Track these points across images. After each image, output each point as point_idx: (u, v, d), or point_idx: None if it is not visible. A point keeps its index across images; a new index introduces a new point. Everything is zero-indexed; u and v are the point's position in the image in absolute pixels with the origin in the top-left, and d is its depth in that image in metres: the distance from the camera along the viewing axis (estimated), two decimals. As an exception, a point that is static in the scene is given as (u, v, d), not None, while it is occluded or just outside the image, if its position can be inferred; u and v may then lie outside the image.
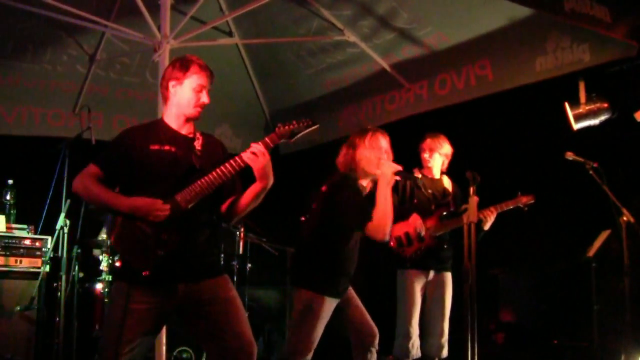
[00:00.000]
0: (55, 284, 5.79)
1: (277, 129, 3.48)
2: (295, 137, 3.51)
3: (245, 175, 3.62)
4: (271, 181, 3.50)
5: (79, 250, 5.69)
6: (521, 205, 5.63)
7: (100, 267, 6.34)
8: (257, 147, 3.41)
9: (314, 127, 3.52)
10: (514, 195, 5.75)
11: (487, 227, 5.47)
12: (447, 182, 5.71)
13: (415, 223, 5.42)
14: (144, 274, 3.35)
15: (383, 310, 5.52)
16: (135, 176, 3.51)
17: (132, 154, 3.51)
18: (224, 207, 3.69)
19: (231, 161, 3.44)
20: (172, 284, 3.45)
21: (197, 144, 3.61)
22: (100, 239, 6.37)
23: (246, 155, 3.42)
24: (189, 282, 3.48)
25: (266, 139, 3.44)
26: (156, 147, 3.54)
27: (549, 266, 9.98)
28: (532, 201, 5.63)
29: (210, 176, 3.43)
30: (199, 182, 3.43)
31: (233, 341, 3.47)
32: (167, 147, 3.55)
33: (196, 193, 3.43)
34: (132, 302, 3.37)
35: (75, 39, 6.51)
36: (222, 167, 3.44)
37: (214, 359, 3.54)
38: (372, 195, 4.48)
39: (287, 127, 3.48)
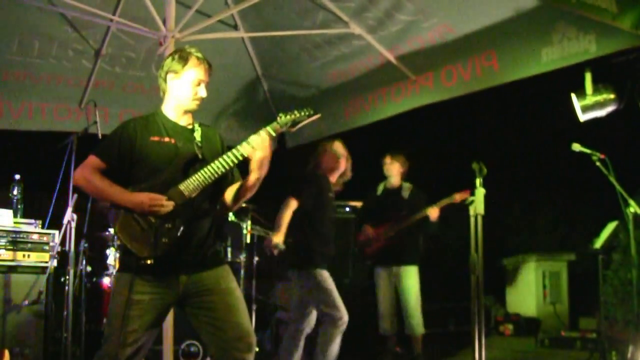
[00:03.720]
0: (63, 279, 5.81)
1: (278, 118, 3.54)
2: (297, 127, 3.56)
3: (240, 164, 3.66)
4: (265, 172, 3.57)
5: (86, 245, 5.71)
6: (456, 202, 6.55)
7: (108, 262, 6.38)
8: (259, 138, 3.45)
9: (315, 117, 3.57)
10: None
11: (433, 219, 6.68)
12: (405, 190, 7.00)
13: (365, 232, 6.88)
14: (148, 262, 3.37)
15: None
16: (136, 167, 3.55)
17: (133, 146, 3.55)
18: (226, 197, 3.73)
19: (233, 150, 3.49)
20: (174, 275, 3.49)
21: (197, 135, 3.66)
22: (107, 233, 6.40)
23: (247, 147, 3.46)
24: (191, 273, 3.52)
25: (268, 128, 3.48)
26: (156, 138, 3.59)
27: (556, 258, 9.99)
28: (467, 196, 6.08)
29: (213, 165, 3.48)
30: (201, 172, 3.48)
31: (231, 331, 3.51)
32: (167, 139, 3.60)
33: (199, 182, 3.47)
34: (135, 293, 3.41)
35: (80, 33, 6.51)
36: (224, 157, 3.49)
37: (212, 349, 3.58)
38: None
39: (288, 117, 3.53)
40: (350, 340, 7.56)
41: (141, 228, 3.42)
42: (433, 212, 6.62)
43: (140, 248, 3.41)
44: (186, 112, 3.70)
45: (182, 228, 3.44)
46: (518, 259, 10.23)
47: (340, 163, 5.90)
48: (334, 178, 5.92)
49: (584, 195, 9.87)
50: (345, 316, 5.53)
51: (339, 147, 5.91)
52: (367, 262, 7.11)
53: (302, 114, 3.55)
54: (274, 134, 3.49)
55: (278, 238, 5.55)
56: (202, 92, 3.66)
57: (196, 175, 3.47)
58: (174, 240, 3.43)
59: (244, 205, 6.23)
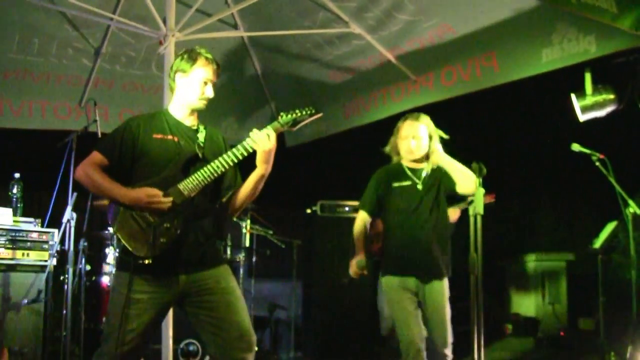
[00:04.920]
0: (62, 277, 5.81)
1: (279, 117, 3.55)
2: (298, 126, 3.57)
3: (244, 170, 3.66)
4: (270, 168, 3.57)
5: (85, 244, 5.71)
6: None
7: (107, 260, 6.38)
8: (263, 132, 3.47)
9: (316, 116, 3.58)
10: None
11: (451, 221, 5.87)
12: None
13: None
14: (146, 262, 3.38)
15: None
16: (138, 164, 3.57)
17: (135, 143, 3.57)
18: (224, 199, 3.73)
19: (234, 150, 3.51)
20: (173, 274, 3.49)
21: (201, 136, 3.68)
22: (106, 232, 6.40)
23: (251, 142, 3.48)
24: (190, 272, 3.52)
25: (269, 127, 3.49)
26: (159, 136, 3.61)
27: (555, 258, 9.99)
28: (492, 201, 5.85)
29: (212, 165, 3.49)
30: (201, 171, 3.49)
31: (232, 330, 3.51)
32: (170, 137, 3.62)
33: (199, 182, 3.49)
34: (134, 292, 3.41)
35: (81, 32, 6.51)
36: (224, 156, 3.51)
37: (213, 349, 3.58)
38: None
39: (289, 116, 3.54)
40: (350, 340, 7.58)
41: (140, 227, 3.44)
42: (453, 213, 6.09)
43: (138, 247, 3.42)
44: (193, 111, 3.72)
45: (180, 228, 3.45)
46: (517, 259, 10.22)
47: (401, 145, 4.87)
48: (406, 160, 4.88)
49: (584, 196, 9.87)
50: (405, 342, 4.56)
51: (403, 125, 4.90)
52: (374, 258, 6.44)
53: (304, 113, 3.55)
54: (275, 133, 3.49)
55: (355, 260, 4.87)
56: (209, 92, 3.68)
57: (196, 175, 3.49)
58: (173, 240, 3.44)
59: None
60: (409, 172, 4.82)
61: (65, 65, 6.81)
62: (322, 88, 7.22)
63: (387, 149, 4.99)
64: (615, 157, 5.84)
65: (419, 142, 4.78)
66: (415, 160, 4.84)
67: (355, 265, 4.81)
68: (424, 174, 4.81)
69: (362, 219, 4.94)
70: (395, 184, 4.81)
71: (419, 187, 4.76)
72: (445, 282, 4.72)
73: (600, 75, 5.68)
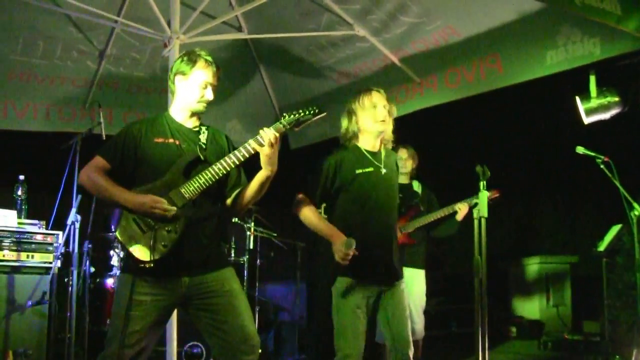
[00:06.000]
0: (66, 279, 5.81)
1: (282, 118, 3.52)
2: (302, 126, 3.54)
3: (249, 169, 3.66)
4: (275, 169, 3.55)
5: (89, 246, 5.71)
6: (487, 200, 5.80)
7: (111, 262, 6.39)
8: (265, 134, 3.44)
9: (320, 115, 3.54)
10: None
11: (459, 218, 5.73)
12: (416, 186, 6.15)
13: None
14: (147, 265, 3.38)
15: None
16: (140, 168, 3.57)
17: (137, 147, 3.58)
18: (229, 200, 3.72)
19: (235, 152, 3.49)
20: (176, 276, 3.49)
21: (203, 137, 3.67)
22: (110, 234, 6.41)
23: (253, 143, 3.46)
24: (193, 275, 3.52)
25: (271, 128, 3.47)
26: (160, 139, 3.61)
27: (559, 260, 9.98)
28: (497, 195, 5.72)
29: (214, 167, 3.48)
30: (202, 174, 3.48)
31: (235, 334, 3.51)
32: (171, 140, 3.62)
33: (200, 184, 3.48)
34: (137, 294, 3.42)
35: (85, 34, 6.53)
36: (225, 159, 3.49)
37: (217, 352, 3.59)
38: None
39: (292, 116, 3.51)
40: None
41: (141, 230, 3.44)
42: (463, 209, 5.70)
43: (139, 251, 3.42)
44: (193, 114, 3.71)
45: (182, 231, 3.45)
46: (521, 262, 10.22)
47: (372, 114, 4.19)
48: (370, 141, 4.24)
49: (588, 198, 9.86)
50: (342, 357, 3.98)
51: (371, 94, 4.28)
52: None
53: (307, 112, 3.51)
54: (277, 134, 3.47)
55: (338, 242, 3.87)
56: (209, 95, 3.66)
57: (197, 178, 3.48)
58: (173, 244, 3.43)
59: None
60: (369, 156, 4.18)
61: (70, 68, 6.83)
62: (326, 90, 7.22)
63: (346, 128, 4.35)
64: (619, 160, 5.83)
65: (391, 111, 4.21)
66: (377, 139, 4.22)
67: (343, 246, 3.81)
68: (383, 156, 4.21)
69: (310, 205, 4.13)
70: (359, 171, 4.10)
71: (382, 171, 4.16)
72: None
73: (604, 78, 5.67)
